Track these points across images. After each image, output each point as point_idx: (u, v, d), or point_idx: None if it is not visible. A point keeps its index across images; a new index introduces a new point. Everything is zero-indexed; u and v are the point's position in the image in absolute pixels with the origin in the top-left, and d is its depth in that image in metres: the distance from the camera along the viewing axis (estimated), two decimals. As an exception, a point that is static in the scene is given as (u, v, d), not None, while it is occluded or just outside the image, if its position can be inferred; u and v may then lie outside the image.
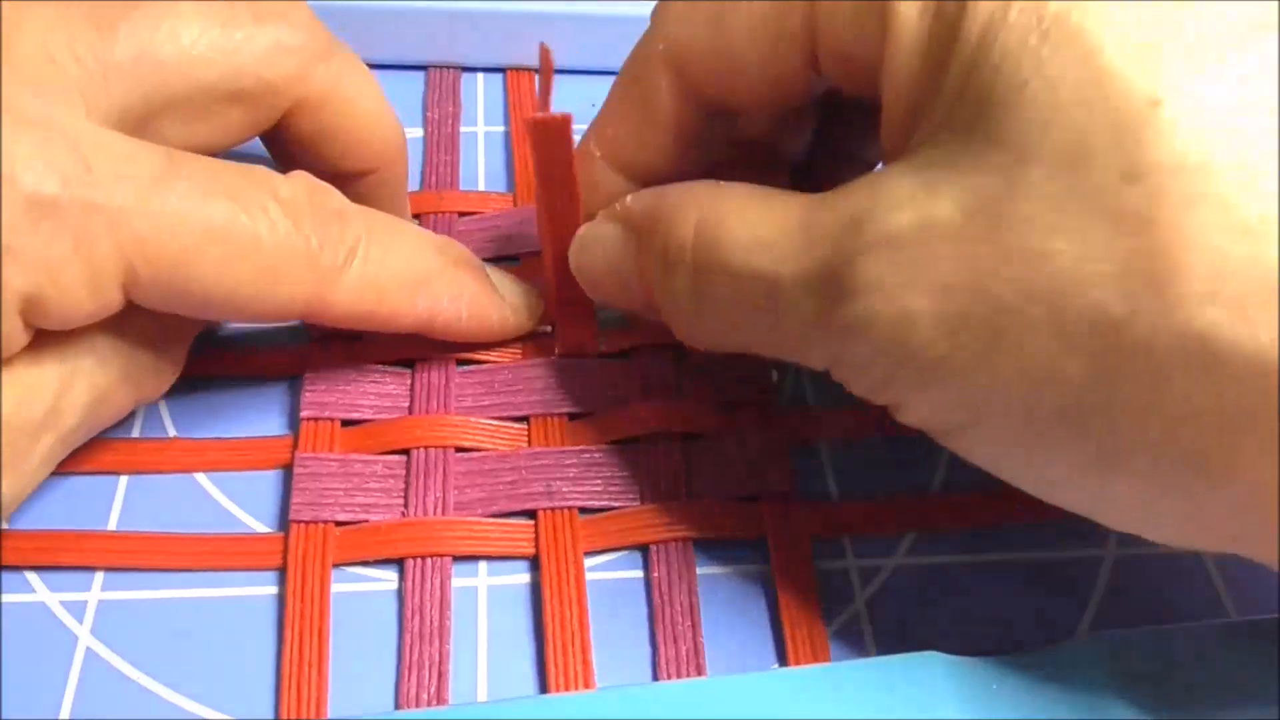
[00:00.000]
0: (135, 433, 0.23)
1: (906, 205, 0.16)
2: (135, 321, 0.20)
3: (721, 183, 0.20)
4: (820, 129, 0.24)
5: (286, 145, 0.24)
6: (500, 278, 0.24)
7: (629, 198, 0.21)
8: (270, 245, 0.19)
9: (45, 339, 0.19)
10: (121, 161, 0.18)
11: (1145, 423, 0.15)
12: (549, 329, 0.25)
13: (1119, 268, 0.14)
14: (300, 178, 0.20)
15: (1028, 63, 0.15)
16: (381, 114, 0.24)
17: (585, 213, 0.22)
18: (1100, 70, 0.15)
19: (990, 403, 0.16)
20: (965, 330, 0.16)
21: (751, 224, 0.18)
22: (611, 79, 0.22)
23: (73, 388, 0.19)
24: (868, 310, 0.17)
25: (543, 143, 0.21)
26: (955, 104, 0.16)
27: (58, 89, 0.19)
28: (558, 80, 0.21)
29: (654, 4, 0.21)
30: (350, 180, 0.24)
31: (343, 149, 0.23)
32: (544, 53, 0.21)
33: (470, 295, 0.23)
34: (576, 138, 0.21)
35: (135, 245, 0.18)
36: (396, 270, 0.21)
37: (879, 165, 0.20)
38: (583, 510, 0.22)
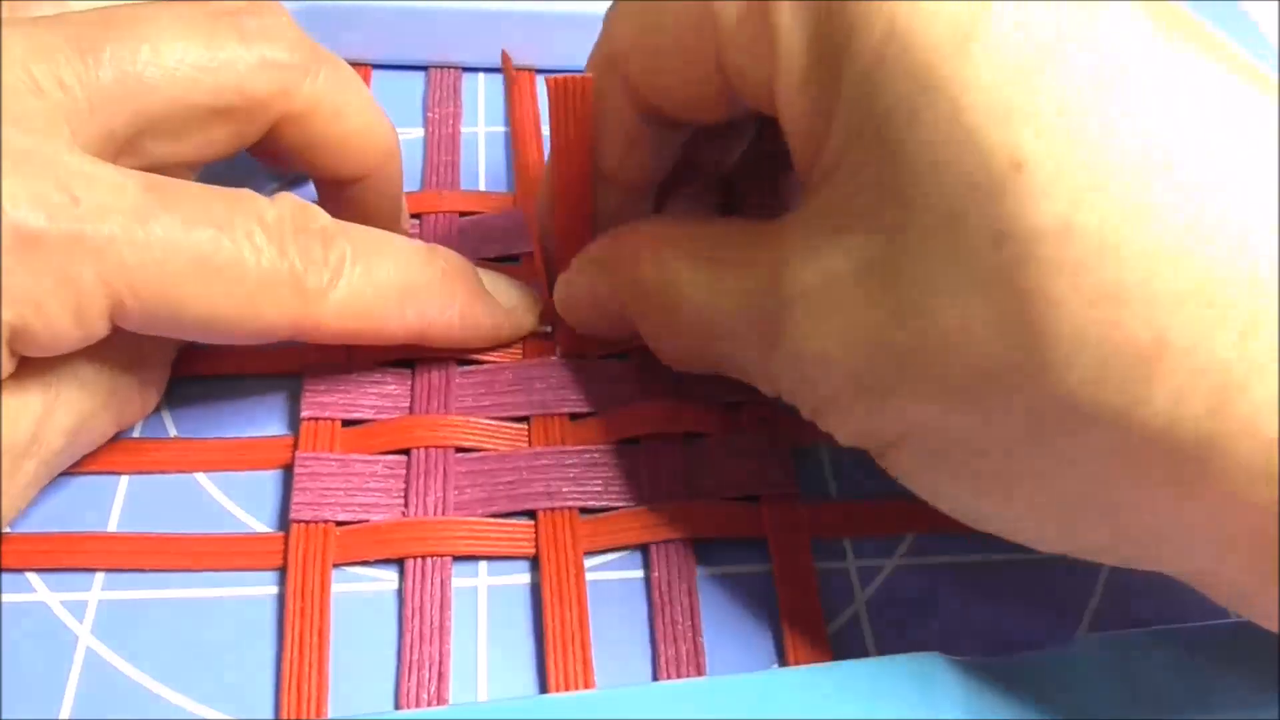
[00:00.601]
0: (135, 433, 0.23)
1: (810, 260, 0.17)
2: (118, 347, 0.20)
3: (670, 223, 0.21)
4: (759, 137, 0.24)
5: (274, 155, 0.24)
6: (498, 280, 0.24)
7: (593, 244, 0.23)
8: (255, 272, 0.19)
9: (28, 365, 0.19)
10: (107, 192, 0.18)
11: (1032, 466, 0.16)
12: (549, 329, 0.25)
13: (994, 331, 0.15)
14: (284, 199, 0.20)
15: (902, 119, 0.15)
16: (370, 122, 0.24)
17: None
18: (967, 130, 0.14)
19: (900, 435, 0.17)
20: (870, 376, 0.17)
21: (698, 269, 0.20)
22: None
23: (55, 413, 0.19)
24: (790, 354, 0.18)
25: (560, 107, 0.21)
26: (847, 147, 0.16)
27: (43, 119, 0.19)
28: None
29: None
30: (342, 185, 0.24)
31: (332, 158, 0.23)
32: (505, 59, 0.21)
33: (462, 304, 0.23)
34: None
35: (122, 276, 0.18)
36: (383, 286, 0.21)
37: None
38: (583, 510, 0.22)
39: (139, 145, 0.21)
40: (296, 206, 0.20)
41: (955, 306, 0.15)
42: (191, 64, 0.21)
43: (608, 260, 0.22)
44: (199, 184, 0.20)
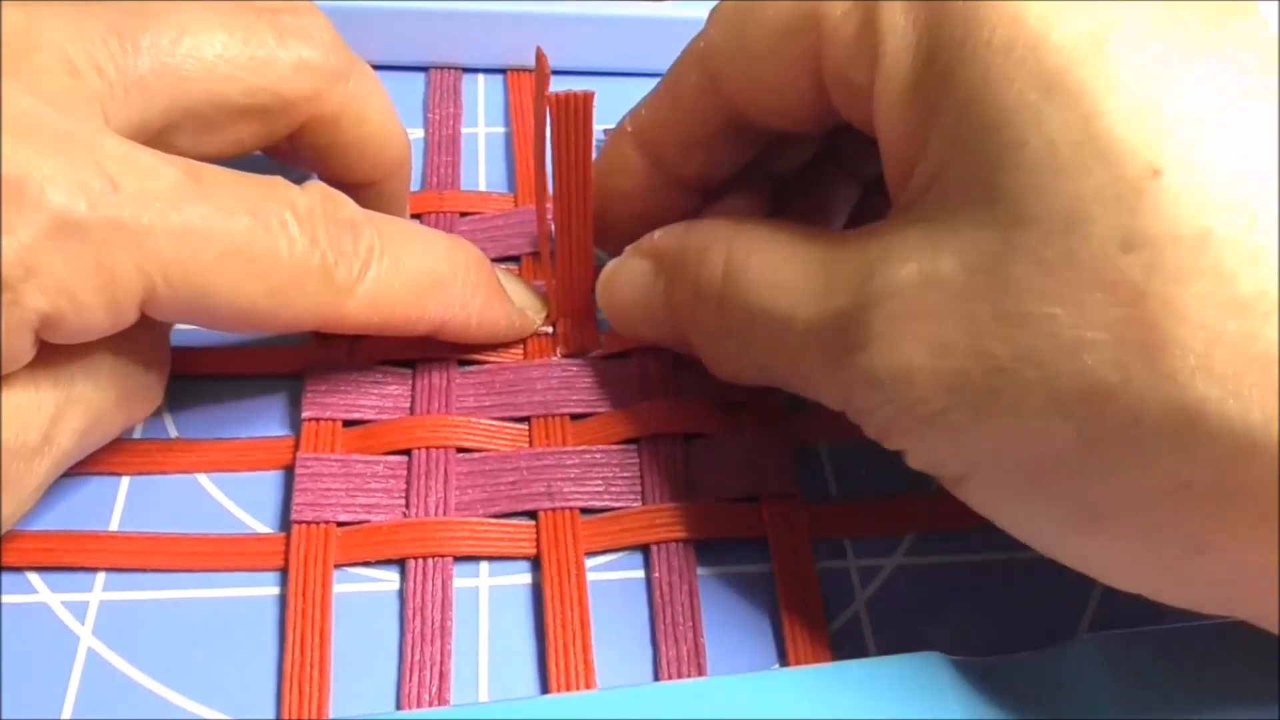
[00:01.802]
0: (136, 433, 0.23)
1: (912, 258, 0.16)
2: (129, 346, 0.20)
3: (745, 220, 0.20)
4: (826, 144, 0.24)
5: (289, 154, 0.24)
6: (507, 279, 0.24)
7: (657, 234, 0.22)
8: (288, 262, 0.19)
9: (42, 364, 0.18)
10: (145, 177, 0.18)
11: (1129, 490, 0.15)
12: (550, 330, 0.25)
13: (1112, 336, 0.14)
14: (315, 188, 0.20)
15: (1026, 120, 0.15)
16: (391, 130, 0.24)
17: (601, 188, 0.23)
18: (1100, 134, 0.14)
19: (984, 457, 0.17)
20: (962, 388, 0.16)
21: (774, 266, 0.19)
22: (612, 79, 0.22)
23: (67, 413, 0.19)
24: (872, 362, 0.17)
25: (562, 121, 0.21)
26: (951, 152, 0.16)
27: (79, 101, 0.18)
28: (557, 80, 0.21)
29: (652, 6, 0.21)
30: (353, 189, 0.24)
31: (350, 162, 0.23)
32: (540, 58, 0.21)
33: (482, 299, 0.23)
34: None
35: (157, 264, 0.18)
36: (409, 277, 0.21)
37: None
38: (584, 510, 0.22)
39: (168, 137, 0.20)
40: (326, 195, 0.20)
41: (1071, 311, 0.14)
42: (230, 60, 0.20)
43: (668, 254, 0.21)
44: (232, 170, 0.19)
